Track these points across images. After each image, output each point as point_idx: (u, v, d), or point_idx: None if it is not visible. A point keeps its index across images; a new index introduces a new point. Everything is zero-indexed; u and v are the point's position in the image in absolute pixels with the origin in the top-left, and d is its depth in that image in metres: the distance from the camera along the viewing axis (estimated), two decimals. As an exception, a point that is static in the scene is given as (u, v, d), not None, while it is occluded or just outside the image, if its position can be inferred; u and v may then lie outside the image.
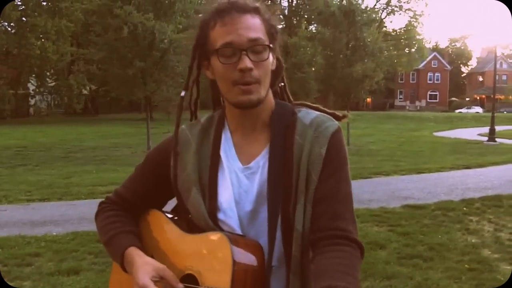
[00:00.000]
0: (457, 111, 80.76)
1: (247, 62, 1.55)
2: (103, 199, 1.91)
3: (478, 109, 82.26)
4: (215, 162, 1.68)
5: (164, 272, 1.61)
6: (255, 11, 1.61)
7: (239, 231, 1.62)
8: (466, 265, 6.52)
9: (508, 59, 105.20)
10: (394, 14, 69.63)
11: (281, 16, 71.32)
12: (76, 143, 25.45)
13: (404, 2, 67.47)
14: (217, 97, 1.83)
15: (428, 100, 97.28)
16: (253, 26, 1.58)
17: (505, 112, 72.71)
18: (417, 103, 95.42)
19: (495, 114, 29.54)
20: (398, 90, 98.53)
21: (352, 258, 1.51)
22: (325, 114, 1.70)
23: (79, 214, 9.42)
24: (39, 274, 6.25)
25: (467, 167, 16.65)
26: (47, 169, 16.29)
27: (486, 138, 28.38)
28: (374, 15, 27.95)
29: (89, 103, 59.54)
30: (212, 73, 1.67)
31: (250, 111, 1.64)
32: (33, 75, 50.42)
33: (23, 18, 46.46)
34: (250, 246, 1.57)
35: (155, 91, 20.99)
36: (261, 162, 1.64)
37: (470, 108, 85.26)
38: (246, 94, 1.58)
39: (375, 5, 65.43)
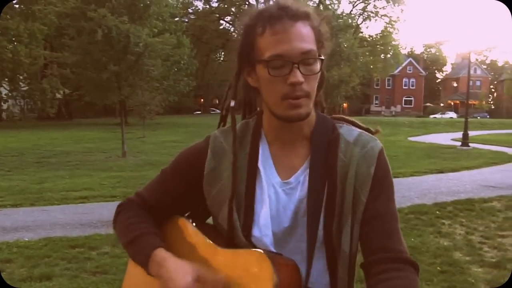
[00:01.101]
0: (431, 116, 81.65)
1: (299, 77, 1.47)
2: (122, 201, 1.81)
3: (452, 115, 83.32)
4: (253, 175, 1.60)
5: (205, 274, 1.51)
6: (306, 17, 1.52)
7: (272, 249, 1.55)
8: (438, 268, 6.58)
9: (482, 65, 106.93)
10: (370, 20, 70.46)
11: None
12: (49, 148, 25.16)
13: (380, 8, 68.22)
14: (251, 104, 1.75)
15: (403, 105, 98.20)
16: (305, 37, 1.50)
17: (478, 118, 73.69)
18: (393, 108, 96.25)
19: (469, 120, 29.88)
20: (374, 96, 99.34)
21: (409, 282, 1.44)
22: (367, 133, 1.64)
23: (51, 220, 9.32)
24: (10, 280, 6.16)
25: (441, 171, 16.83)
26: (20, 175, 16.09)
27: (459, 143, 28.69)
28: (350, 21, 28.11)
29: (63, 107, 58.97)
30: (255, 81, 1.58)
31: (293, 124, 1.57)
32: (6, 79, 49.76)
33: (-5, 21, 45.91)
34: (287, 265, 1.49)
35: (129, 95, 20.96)
36: (300, 177, 1.58)
37: (444, 113, 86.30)
38: (296, 109, 1.50)
39: (351, 10, 65.99)
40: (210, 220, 1.77)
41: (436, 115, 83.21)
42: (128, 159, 20.66)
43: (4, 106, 55.66)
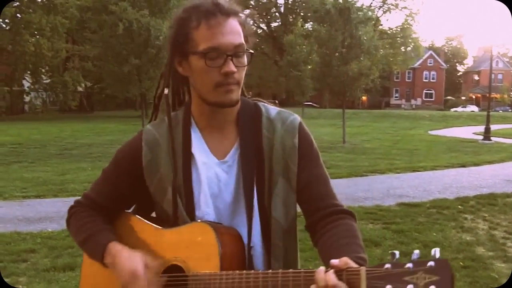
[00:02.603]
0: (452, 109, 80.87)
1: (232, 67, 1.63)
2: (72, 204, 1.92)
3: (473, 108, 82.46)
4: (188, 160, 1.73)
5: (149, 261, 1.63)
6: (236, 14, 1.68)
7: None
8: (460, 263, 6.54)
9: (504, 58, 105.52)
10: (390, 12, 69.78)
11: (277, 14, 71.40)
12: (71, 140, 25.39)
13: (400, 0, 67.58)
14: (180, 94, 1.88)
15: (423, 98, 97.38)
16: (237, 31, 1.66)
17: (500, 111, 72.88)
18: (413, 101, 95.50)
19: (491, 113, 29.59)
20: (394, 89, 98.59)
21: (350, 228, 1.65)
22: (284, 110, 1.83)
23: (74, 211, 9.41)
24: (34, 270, 6.26)
25: (462, 165, 16.71)
26: (42, 166, 16.25)
27: (481, 137, 28.44)
28: (370, 13, 27.87)
29: (84, 100, 59.45)
30: (186, 70, 1.72)
31: (223, 109, 1.71)
32: (28, 72, 50.28)
33: (18, 15, 46.29)
34: (229, 233, 1.65)
35: (150, 88, 20.94)
36: (235, 155, 1.73)
37: (465, 107, 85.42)
38: (228, 94, 1.65)
39: (371, 3, 65.54)
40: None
41: (457, 109, 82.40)
42: (149, 151, 20.72)
43: (27, 99, 56.27)
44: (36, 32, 46.26)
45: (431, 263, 1.23)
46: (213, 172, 1.72)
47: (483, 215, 9.37)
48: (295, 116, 1.79)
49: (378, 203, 10.18)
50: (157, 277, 1.62)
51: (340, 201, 1.73)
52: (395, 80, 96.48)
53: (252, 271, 1.51)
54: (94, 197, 1.87)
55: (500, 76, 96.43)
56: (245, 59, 1.69)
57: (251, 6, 76.64)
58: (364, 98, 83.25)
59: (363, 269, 1.31)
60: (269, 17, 74.72)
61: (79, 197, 1.92)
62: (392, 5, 68.43)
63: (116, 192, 1.83)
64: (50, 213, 9.34)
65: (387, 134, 32.47)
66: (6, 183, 12.64)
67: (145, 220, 1.80)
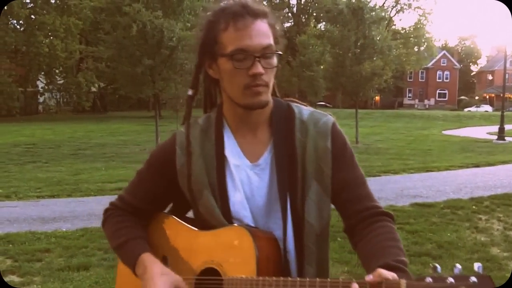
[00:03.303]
0: (466, 109, 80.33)
1: (260, 68, 1.62)
2: (107, 207, 1.93)
3: (487, 108, 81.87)
4: (221, 162, 1.72)
5: (179, 284, 1.64)
6: (265, 15, 1.68)
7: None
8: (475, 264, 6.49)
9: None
10: (403, 12, 69.25)
11: (289, 14, 71.32)
12: (85, 140, 25.54)
13: (413, 0, 67.22)
14: (211, 96, 1.87)
15: (437, 98, 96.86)
16: (264, 33, 1.65)
17: (514, 111, 72.33)
18: (426, 101, 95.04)
19: (505, 113, 29.38)
20: (407, 89, 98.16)
21: (389, 230, 1.64)
22: (317, 110, 1.81)
23: (88, 211, 9.47)
24: (49, 269, 6.30)
25: (476, 165, 16.59)
26: (56, 166, 16.37)
27: (495, 137, 28.26)
28: (383, 13, 27.78)
29: (98, 100, 59.67)
30: (216, 72, 1.72)
31: (254, 111, 1.70)
32: (42, 73, 50.65)
33: (32, 16, 46.67)
34: (266, 237, 1.64)
35: (163, 88, 21.01)
36: (268, 158, 1.72)
37: (479, 106, 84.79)
38: (257, 96, 1.64)
39: (384, 3, 65.27)
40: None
41: (471, 109, 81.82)
42: (162, 151, 20.78)
43: (41, 99, 56.63)
44: (50, 33, 46.59)
45: (473, 278, 1.23)
46: (245, 175, 1.72)
47: (498, 215, 9.31)
48: (328, 117, 1.77)
49: (392, 203, 10.13)
50: None
51: (378, 202, 1.72)
52: (408, 80, 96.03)
53: (289, 278, 1.51)
54: (129, 199, 1.88)
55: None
56: (274, 61, 1.68)
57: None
58: (377, 98, 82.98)
59: (403, 282, 1.30)
60: (281, 17, 74.68)
61: (114, 200, 1.93)
62: (405, 4, 68.03)
63: (150, 194, 1.84)
64: (64, 213, 9.40)
65: (401, 134, 32.35)
66: (20, 183, 12.75)
67: (181, 221, 1.81)
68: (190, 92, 1.81)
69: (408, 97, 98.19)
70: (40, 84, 53.36)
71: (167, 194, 1.84)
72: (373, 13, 24.95)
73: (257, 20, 1.64)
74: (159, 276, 1.63)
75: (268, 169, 1.71)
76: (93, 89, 54.56)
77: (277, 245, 1.65)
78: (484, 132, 34.42)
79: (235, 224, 1.65)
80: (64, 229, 8.17)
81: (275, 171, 1.69)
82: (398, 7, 68.21)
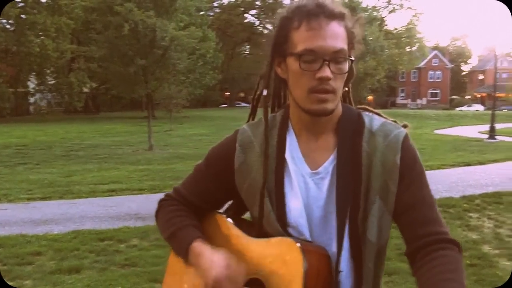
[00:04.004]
0: (458, 109, 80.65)
1: (327, 72, 1.52)
2: (163, 197, 1.88)
3: (478, 107, 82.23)
4: (281, 165, 1.64)
5: (234, 267, 1.58)
6: (341, 17, 1.57)
7: (308, 238, 1.60)
8: (466, 261, 6.52)
9: (508, 57, 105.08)
10: (395, 12, 69.67)
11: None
12: (77, 142, 25.43)
13: (405, 1, 67.61)
14: (279, 95, 1.78)
15: (429, 98, 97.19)
16: (338, 36, 1.55)
17: (505, 110, 72.57)
18: (418, 101, 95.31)
19: (496, 112, 29.54)
20: (400, 88, 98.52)
21: (452, 261, 1.49)
22: (390, 121, 1.68)
23: (80, 213, 9.44)
24: (40, 273, 6.25)
25: (468, 164, 16.67)
26: (48, 168, 16.29)
27: (486, 136, 28.36)
28: (375, 13, 27.88)
29: (90, 101, 59.46)
30: (284, 72, 1.63)
31: (320, 118, 1.61)
32: (33, 73, 50.30)
33: (22, 16, 46.31)
34: (318, 253, 1.55)
35: (156, 88, 21.06)
36: (329, 167, 1.61)
37: (470, 106, 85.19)
38: (321, 103, 1.55)
39: (376, 3, 65.48)
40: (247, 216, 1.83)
41: (463, 108, 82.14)
42: (155, 152, 20.79)
43: (32, 100, 56.34)
44: (41, 33, 46.29)
45: None
46: (303, 182, 1.62)
47: (489, 213, 9.35)
48: (400, 130, 1.62)
49: (384, 202, 10.13)
50: (239, 285, 1.57)
51: (445, 227, 1.57)
52: (401, 79, 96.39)
53: None
54: (184, 192, 1.82)
55: (504, 75, 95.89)
56: (345, 66, 1.56)
57: (257, 6, 76.75)
58: (370, 97, 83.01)
59: None
60: (275, 17, 74.69)
61: (170, 191, 1.87)
62: (397, 5, 68.36)
63: (206, 191, 1.78)
64: (56, 215, 9.35)
65: (393, 133, 32.30)
66: (11, 185, 12.68)
67: (235, 226, 1.74)
68: (264, 93, 1.71)
69: (401, 96, 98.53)
70: (31, 85, 53.02)
71: (224, 193, 1.78)
72: (366, 13, 25.03)
73: (332, 22, 1.54)
74: (212, 262, 1.58)
75: (328, 178, 1.60)
76: (85, 90, 54.26)
77: (329, 263, 1.55)
78: (475, 131, 34.53)
79: (288, 237, 1.57)
80: (55, 232, 8.12)
81: (335, 182, 1.58)
82: (390, 7, 68.52)
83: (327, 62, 1.52)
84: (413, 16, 66.98)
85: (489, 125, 28.50)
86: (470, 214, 9.27)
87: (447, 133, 34.53)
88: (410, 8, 67.96)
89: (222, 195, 1.80)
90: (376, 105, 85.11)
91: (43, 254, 6.99)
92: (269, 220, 1.62)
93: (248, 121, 1.80)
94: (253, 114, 1.81)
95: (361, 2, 25.24)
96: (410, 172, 1.58)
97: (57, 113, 54.09)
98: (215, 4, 74.86)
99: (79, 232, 8.01)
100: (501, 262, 6.63)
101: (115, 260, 6.68)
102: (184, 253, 1.67)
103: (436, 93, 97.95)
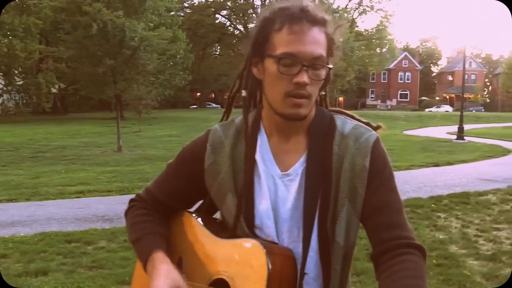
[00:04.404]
0: (427, 110, 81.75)
1: (305, 78, 1.51)
2: (133, 197, 1.87)
3: (447, 108, 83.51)
4: (251, 166, 1.63)
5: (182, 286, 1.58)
6: (323, 24, 1.57)
7: (275, 239, 1.60)
8: (433, 261, 6.59)
9: (477, 58, 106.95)
10: (365, 14, 70.15)
11: (254, 15, 71.42)
12: (45, 143, 25.12)
13: (375, 2, 68.07)
14: (254, 95, 1.75)
15: (399, 99, 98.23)
16: (319, 42, 1.54)
17: (474, 111, 73.81)
18: (388, 102, 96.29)
19: (464, 113, 29.98)
20: (370, 90, 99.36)
21: (416, 268, 1.48)
22: (362, 124, 1.68)
23: (47, 215, 9.31)
24: (6, 275, 6.13)
25: (436, 164, 16.91)
26: (15, 169, 16.06)
27: (455, 137, 28.76)
28: (345, 15, 28.07)
29: (58, 102, 58.83)
30: (261, 73, 1.61)
31: (293, 121, 1.60)
32: (0, 74, 49.56)
33: (-11, 15, 45.66)
34: (283, 255, 1.55)
35: (125, 89, 20.90)
36: (299, 169, 1.61)
37: (440, 107, 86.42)
38: (296, 108, 1.54)
39: (347, 5, 65.90)
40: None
41: (432, 109, 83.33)
42: (124, 153, 20.64)
43: (-1, 101, 55.49)
44: (8, 33, 45.62)
45: None
46: (272, 183, 1.61)
47: (456, 213, 9.47)
48: (371, 134, 1.62)
49: (353, 203, 10.19)
50: None
51: (411, 233, 1.56)
52: (371, 81, 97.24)
53: None
54: (154, 192, 1.81)
55: (473, 77, 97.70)
56: (322, 73, 1.56)
57: (227, 7, 76.68)
58: (340, 99, 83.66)
59: None
60: (246, 18, 74.66)
61: (141, 191, 1.87)
62: (368, 6, 68.90)
63: (176, 190, 1.77)
64: (23, 217, 9.21)
65: (363, 134, 32.57)
66: (-22, 187, 12.46)
67: (203, 226, 1.74)
68: (244, 94, 1.69)
69: (371, 97, 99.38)
70: (-1, 85, 52.28)
71: (194, 192, 1.77)
72: (336, 14, 25.20)
73: (314, 27, 1.53)
74: (162, 277, 1.56)
75: (297, 180, 1.59)
76: (54, 90, 53.65)
77: (294, 265, 1.55)
78: (444, 132, 35.02)
79: (254, 238, 1.56)
80: (22, 234, 8.00)
81: (304, 184, 1.58)
82: (361, 9, 69.08)
83: (305, 68, 1.51)
84: (383, 17, 67.68)
85: (457, 126, 28.91)
86: (438, 214, 9.37)
87: (416, 134, 34.97)
88: (380, 10, 68.40)
89: (192, 195, 1.79)
90: (346, 106, 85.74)
91: (9, 257, 6.87)
92: (237, 221, 1.62)
93: (222, 120, 1.79)
94: (227, 112, 1.81)
95: (332, 4, 25.42)
96: (379, 176, 1.58)
97: (25, 114, 53.35)
98: (186, 5, 74.68)
99: (46, 234, 7.90)
100: (468, 261, 6.70)
101: (82, 262, 6.60)
102: (144, 262, 1.67)
103: (406, 94, 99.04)
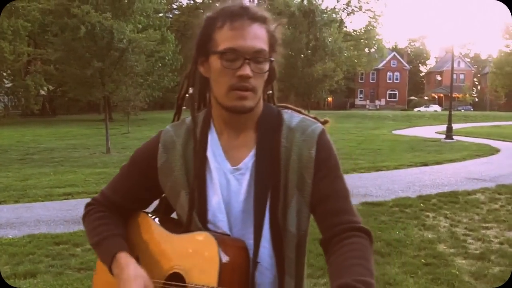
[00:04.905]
0: (415, 109, 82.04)
1: (247, 71, 1.58)
2: (89, 201, 1.90)
3: (436, 108, 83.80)
4: (202, 163, 1.68)
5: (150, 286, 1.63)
6: (264, 21, 1.64)
7: (228, 232, 1.65)
8: (422, 260, 6.63)
9: (466, 58, 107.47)
10: (354, 15, 70.40)
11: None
12: (33, 145, 25.01)
13: (364, 3, 68.28)
14: (204, 95, 1.82)
15: (387, 99, 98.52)
16: (259, 37, 1.62)
17: (462, 110, 74.21)
18: (377, 102, 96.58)
19: (453, 112, 30.14)
20: (358, 90, 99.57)
21: (361, 248, 1.54)
22: (309, 118, 1.75)
23: (35, 217, 9.26)
24: (-6, 277, 6.13)
25: (425, 164, 16.96)
26: (3, 172, 15.96)
27: (443, 136, 28.90)
28: (334, 15, 28.16)
29: (47, 104, 58.60)
30: (207, 71, 1.68)
31: (240, 115, 1.66)
32: (-11, 76, 49.30)
33: (-22, 18, 45.38)
34: (235, 246, 1.60)
35: (114, 91, 20.82)
36: (249, 163, 1.66)
37: (428, 106, 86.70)
38: (241, 100, 1.60)
39: (335, 5, 66.04)
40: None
41: (420, 108, 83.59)
42: (113, 155, 20.56)
43: (-13, 104, 55.14)
44: (-4, 36, 45.39)
45: None
46: (224, 178, 1.67)
47: (445, 212, 9.51)
48: (317, 125, 1.71)
49: (342, 203, 10.20)
50: None
51: (358, 217, 1.63)
52: (360, 81, 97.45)
53: None
54: (109, 194, 1.85)
55: (462, 76, 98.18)
56: (265, 66, 1.63)
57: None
58: (329, 99, 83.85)
59: None
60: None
61: (97, 195, 1.90)
62: (356, 7, 69.07)
63: (131, 191, 1.82)
64: (11, 219, 9.16)
65: (352, 134, 32.73)
66: (-35, 190, 12.37)
67: (159, 224, 1.80)
68: (191, 90, 1.76)
69: (360, 98, 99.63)
70: (-13, 88, 51.97)
71: (148, 192, 1.82)
72: (325, 15, 25.32)
73: (254, 23, 1.61)
74: (133, 278, 1.61)
75: (248, 174, 1.66)
76: (42, 92, 53.44)
77: (246, 255, 1.60)
78: (433, 132, 35.18)
79: (206, 232, 1.61)
80: (10, 236, 7.96)
81: (254, 177, 1.64)
82: (349, 9, 69.27)
83: (247, 61, 1.58)
84: (372, 18, 67.88)
85: (446, 125, 29.04)
86: (427, 214, 9.41)
87: (405, 133, 35.07)
88: (369, 10, 68.61)
89: (147, 195, 1.83)
90: (335, 106, 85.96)
91: (-3, 259, 6.85)
92: (190, 216, 1.67)
93: (173, 121, 1.84)
94: (178, 114, 1.86)
95: (320, 4, 25.48)
96: (325, 165, 1.65)
97: (14, 116, 53.14)
98: (174, 6, 74.53)
99: (34, 236, 7.87)
100: (457, 260, 6.74)
101: (70, 264, 6.58)
102: (108, 264, 1.70)
103: (395, 94, 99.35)
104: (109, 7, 20.58)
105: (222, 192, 1.66)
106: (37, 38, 51.64)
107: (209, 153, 1.69)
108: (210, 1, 74.47)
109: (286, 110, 1.77)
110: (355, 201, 10.43)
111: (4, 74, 49.29)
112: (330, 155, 1.67)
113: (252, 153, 1.67)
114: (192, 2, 76.48)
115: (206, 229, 1.64)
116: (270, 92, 1.82)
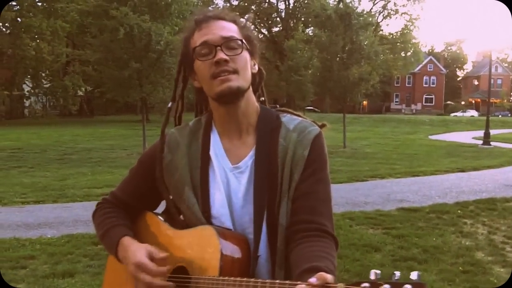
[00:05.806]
0: (452, 114, 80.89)
1: (221, 55, 1.68)
2: (100, 200, 2.02)
3: (473, 113, 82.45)
4: (206, 162, 1.78)
5: (155, 253, 1.71)
6: (231, 18, 1.78)
7: (230, 226, 1.73)
8: (460, 268, 6.54)
9: (503, 63, 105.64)
10: (390, 18, 69.65)
11: (278, 19, 71.50)
12: (71, 145, 25.39)
13: (400, 6, 67.58)
14: (201, 104, 1.96)
15: (423, 103, 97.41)
16: (226, 27, 1.74)
17: (500, 116, 72.94)
18: (413, 106, 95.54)
19: (490, 118, 29.63)
20: (394, 94, 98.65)
21: (328, 247, 1.61)
22: (307, 120, 1.83)
23: (74, 217, 9.41)
24: (33, 276, 6.24)
25: (462, 170, 16.71)
26: (42, 171, 16.25)
27: (481, 142, 28.43)
28: (370, 19, 27.89)
29: (85, 104, 59.40)
30: (198, 81, 1.79)
31: (235, 111, 1.75)
32: (28, 76, 50.23)
33: (18, 19, 46.28)
34: (236, 239, 1.68)
35: (151, 92, 20.93)
36: (249, 162, 1.75)
37: (465, 111, 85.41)
38: (224, 83, 1.68)
39: (372, 8, 65.50)
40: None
41: (457, 113, 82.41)
42: (149, 156, 20.70)
43: (27, 103, 56.24)
44: (36, 36, 46.24)
45: (408, 286, 1.20)
46: (225, 176, 1.76)
47: (483, 219, 9.37)
48: (314, 128, 1.78)
49: (379, 207, 10.17)
50: (162, 269, 1.67)
51: (330, 223, 1.70)
52: (395, 85, 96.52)
53: (252, 279, 1.51)
54: (119, 194, 1.97)
55: (499, 81, 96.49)
56: (239, 50, 1.72)
57: (252, 11, 76.73)
58: (364, 103, 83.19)
59: (341, 285, 1.31)
60: (270, 22, 74.57)
61: (106, 196, 2.02)
62: (392, 10, 68.39)
63: (139, 191, 1.93)
64: (50, 219, 9.33)
65: (388, 138, 32.47)
66: (5, 189, 12.64)
67: (164, 222, 1.88)
68: (169, 105, 1.91)
69: (395, 102, 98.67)
70: (26, 88, 52.97)
71: (154, 191, 1.89)
72: (361, 18, 25.07)
73: (220, 20, 1.75)
74: (137, 249, 1.72)
75: (247, 172, 1.75)
76: (80, 93, 54.24)
77: (247, 248, 1.68)
78: (469, 137, 34.60)
79: (208, 226, 1.69)
80: (49, 236, 8.11)
81: (253, 175, 1.73)
82: (385, 12, 68.60)
83: (219, 48, 1.68)
84: (408, 21, 67.13)
85: (483, 131, 28.58)
86: (464, 220, 9.29)
87: (441, 138, 34.59)
88: (405, 13, 67.86)
89: (152, 194, 1.91)
90: (370, 110, 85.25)
91: (37, 258, 6.98)
92: (194, 212, 1.75)
93: (175, 125, 1.96)
94: (166, 123, 1.93)
95: (357, 8, 25.29)
96: (312, 165, 1.72)
97: (52, 116, 54.11)
98: (210, 8, 74.75)
99: (72, 236, 8.00)
100: (495, 269, 6.64)
101: (108, 264, 6.65)
102: (114, 250, 1.80)
103: (431, 98, 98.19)
104: (147, 9, 20.72)
105: (224, 189, 1.75)
106: (75, 39, 52.41)
107: (211, 153, 1.79)
108: (246, 4, 74.82)
109: (285, 114, 1.85)
110: (391, 206, 10.43)
111: (43, 74, 50.27)
112: (320, 158, 1.75)
113: (251, 152, 1.76)
114: (228, 4, 76.75)
115: (209, 223, 1.72)
116: (263, 98, 1.91)
